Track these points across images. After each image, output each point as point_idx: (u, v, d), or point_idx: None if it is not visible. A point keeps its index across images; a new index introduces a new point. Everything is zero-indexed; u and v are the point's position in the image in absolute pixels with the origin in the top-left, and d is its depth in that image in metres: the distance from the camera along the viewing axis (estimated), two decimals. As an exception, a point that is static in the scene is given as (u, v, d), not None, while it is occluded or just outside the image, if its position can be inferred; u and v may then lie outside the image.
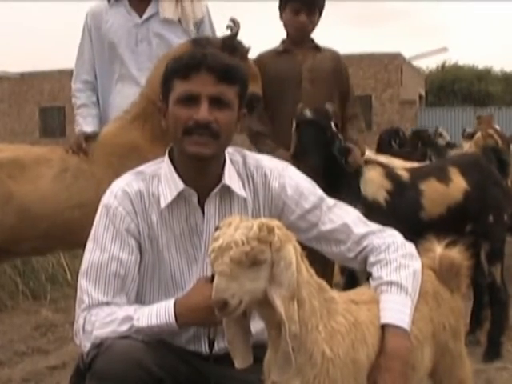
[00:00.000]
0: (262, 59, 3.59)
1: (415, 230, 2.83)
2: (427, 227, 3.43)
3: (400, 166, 4.19)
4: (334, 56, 3.73)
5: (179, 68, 1.94)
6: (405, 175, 3.65)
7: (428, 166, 4.59)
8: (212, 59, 1.93)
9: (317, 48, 3.69)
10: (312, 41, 3.69)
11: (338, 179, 3.41)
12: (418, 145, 8.73)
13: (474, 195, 3.70)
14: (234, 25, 3.18)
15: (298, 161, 3.18)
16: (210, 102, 1.90)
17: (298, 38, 3.64)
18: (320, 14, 3.64)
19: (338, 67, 3.70)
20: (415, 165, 4.52)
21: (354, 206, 2.19)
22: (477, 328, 4.07)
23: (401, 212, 3.46)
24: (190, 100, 1.91)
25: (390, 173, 3.60)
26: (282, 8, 3.62)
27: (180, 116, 1.92)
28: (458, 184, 3.70)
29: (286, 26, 3.65)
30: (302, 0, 3.51)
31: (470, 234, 3.68)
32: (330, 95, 3.60)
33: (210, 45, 3.06)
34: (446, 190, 3.66)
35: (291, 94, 3.51)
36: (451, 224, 3.57)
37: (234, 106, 1.97)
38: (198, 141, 1.91)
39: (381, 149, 7.76)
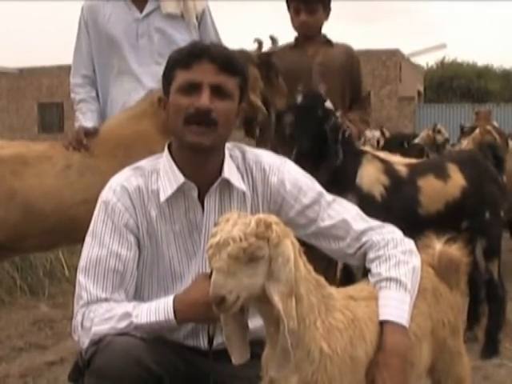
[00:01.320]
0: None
1: (412, 226, 2.79)
2: (424, 224, 3.41)
3: (398, 161, 4.17)
4: (347, 51, 3.74)
5: (181, 58, 1.95)
6: (403, 171, 3.61)
7: (426, 162, 4.56)
8: (215, 49, 1.96)
9: (329, 43, 3.69)
10: (324, 36, 3.70)
11: (331, 161, 3.35)
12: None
13: (471, 192, 3.69)
14: (273, 42, 3.20)
15: (290, 145, 3.19)
16: (211, 90, 1.91)
17: (305, 36, 3.65)
18: (326, 9, 3.63)
19: (350, 62, 3.69)
20: (413, 161, 4.51)
21: (346, 195, 2.18)
22: (474, 324, 4.07)
23: (397, 208, 3.42)
24: (192, 88, 1.92)
25: (388, 168, 3.55)
26: (288, 10, 3.66)
27: (181, 104, 1.93)
28: (456, 180, 3.68)
29: (293, 26, 3.68)
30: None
31: (466, 231, 3.66)
32: (340, 90, 3.61)
33: (245, 58, 3.06)
34: (443, 187, 3.63)
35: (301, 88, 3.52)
36: (448, 220, 3.55)
37: (235, 97, 1.98)
38: (197, 131, 1.91)
39: (389, 148, 7.74)
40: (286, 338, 1.62)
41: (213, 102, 1.91)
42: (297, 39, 3.72)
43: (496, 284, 3.84)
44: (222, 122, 1.93)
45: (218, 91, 1.93)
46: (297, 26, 3.62)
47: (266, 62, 3.14)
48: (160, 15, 3.39)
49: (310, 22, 3.58)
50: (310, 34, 3.65)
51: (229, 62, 1.95)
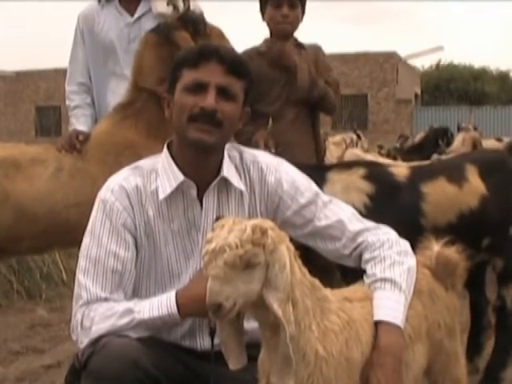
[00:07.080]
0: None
1: (412, 241, 2.15)
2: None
3: (398, 163, 3.92)
4: (315, 49, 3.62)
5: (190, 57, 1.97)
6: (400, 174, 3.03)
7: (439, 163, 3.84)
8: (224, 51, 1.98)
9: (300, 46, 3.58)
10: (295, 39, 3.58)
11: None
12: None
13: (493, 201, 3.03)
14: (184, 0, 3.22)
15: None
16: (217, 91, 1.93)
17: (283, 34, 3.49)
18: (303, 8, 3.53)
19: (319, 59, 3.58)
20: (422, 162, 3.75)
21: None
22: (475, 355, 3.41)
23: (390, 219, 2.47)
24: (198, 88, 1.93)
25: (373, 173, 3.00)
26: (263, 7, 3.51)
27: (186, 103, 1.94)
28: (475, 186, 3.03)
29: (269, 23, 3.51)
30: None
31: (487, 250, 3.09)
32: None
33: (169, 27, 3.10)
34: (457, 194, 2.99)
35: (279, 94, 3.44)
36: (464, 236, 2.65)
37: (240, 100, 1.99)
38: (201, 128, 1.92)
39: (426, 147, 7.61)
40: (287, 345, 1.62)
41: (218, 103, 1.93)
42: (267, 41, 3.54)
43: (509, 313, 3.17)
44: (226, 124, 1.95)
45: (223, 93, 1.94)
46: (278, 19, 3.44)
47: (188, 19, 3.14)
48: (151, 17, 3.41)
49: (291, 17, 3.46)
50: (288, 30, 3.50)
51: (237, 64, 1.97)
